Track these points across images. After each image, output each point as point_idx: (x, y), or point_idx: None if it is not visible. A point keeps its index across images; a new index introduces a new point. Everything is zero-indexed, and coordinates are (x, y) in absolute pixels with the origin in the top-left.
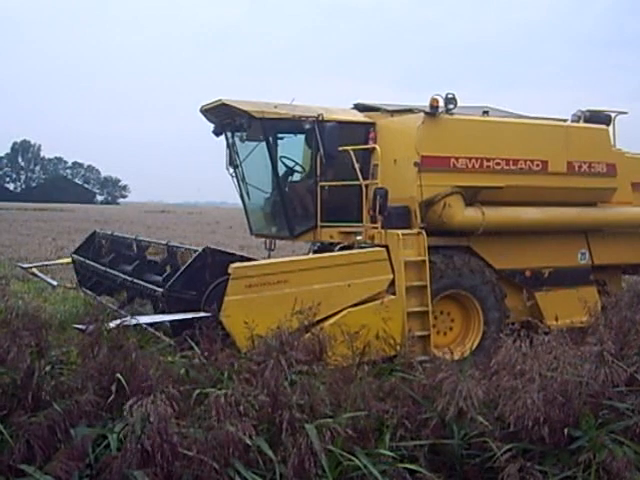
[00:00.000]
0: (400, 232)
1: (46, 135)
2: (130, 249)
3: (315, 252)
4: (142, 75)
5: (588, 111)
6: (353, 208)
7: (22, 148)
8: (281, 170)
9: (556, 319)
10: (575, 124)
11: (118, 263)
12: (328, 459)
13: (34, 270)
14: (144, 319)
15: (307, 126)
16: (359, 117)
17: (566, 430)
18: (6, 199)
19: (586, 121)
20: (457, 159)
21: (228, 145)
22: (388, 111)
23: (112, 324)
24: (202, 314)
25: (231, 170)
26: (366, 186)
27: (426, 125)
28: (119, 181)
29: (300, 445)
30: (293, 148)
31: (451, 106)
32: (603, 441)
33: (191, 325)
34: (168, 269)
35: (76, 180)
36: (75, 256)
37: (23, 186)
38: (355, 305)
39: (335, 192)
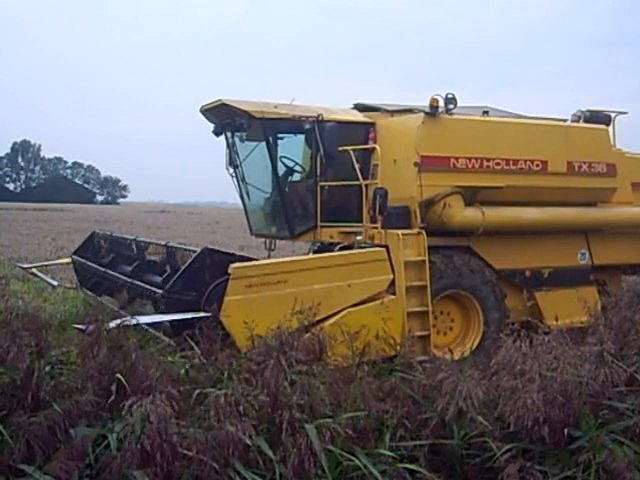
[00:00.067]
0: (400, 232)
1: (46, 135)
2: (129, 249)
3: (315, 252)
4: (142, 75)
5: (588, 111)
6: (353, 208)
7: (22, 148)
8: (281, 170)
9: (556, 319)
10: (575, 124)
11: (118, 263)
12: (328, 459)
13: (34, 270)
14: (144, 319)
15: (307, 126)
16: (359, 117)
17: (566, 430)
18: (6, 199)
19: (586, 121)
20: (457, 159)
21: (228, 145)
22: (388, 111)
23: (112, 324)
24: (202, 314)
25: (231, 170)
26: (366, 186)
27: (426, 125)
28: (119, 181)
29: (300, 445)
30: (293, 148)
31: (451, 106)
32: (603, 441)
33: (191, 325)
34: (168, 269)
35: (76, 180)
36: (75, 257)
37: (23, 186)
38: (355, 305)
39: (335, 192)
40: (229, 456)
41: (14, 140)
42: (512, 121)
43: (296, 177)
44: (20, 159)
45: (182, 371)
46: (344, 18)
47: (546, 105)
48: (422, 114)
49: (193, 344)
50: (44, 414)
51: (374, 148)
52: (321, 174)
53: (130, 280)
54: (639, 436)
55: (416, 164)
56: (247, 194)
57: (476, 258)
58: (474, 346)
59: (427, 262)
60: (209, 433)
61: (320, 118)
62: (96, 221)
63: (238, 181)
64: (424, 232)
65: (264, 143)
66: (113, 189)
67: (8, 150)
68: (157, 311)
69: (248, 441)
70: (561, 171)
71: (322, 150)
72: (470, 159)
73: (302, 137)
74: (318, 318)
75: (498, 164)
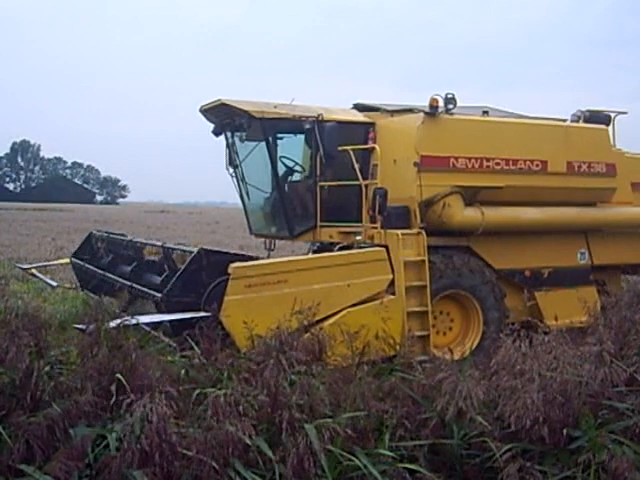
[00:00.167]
0: (400, 232)
1: (46, 135)
2: (127, 249)
3: (315, 252)
4: (142, 75)
5: (588, 111)
6: (353, 208)
7: (22, 148)
8: (281, 170)
9: (556, 319)
10: (575, 124)
11: (117, 264)
12: (328, 459)
13: (33, 271)
14: (144, 319)
15: (307, 126)
16: (359, 117)
17: (566, 430)
18: (6, 199)
19: (586, 121)
20: (457, 159)
21: (228, 145)
22: (388, 111)
23: (112, 324)
24: (202, 314)
25: (231, 170)
26: (366, 186)
27: (426, 125)
28: (119, 181)
29: (300, 445)
30: (293, 148)
31: (451, 106)
32: (603, 441)
33: (191, 325)
34: (166, 268)
35: (76, 180)
36: (74, 260)
37: (22, 186)
38: (355, 305)
39: (335, 192)
40: (229, 456)
41: (14, 140)
42: (512, 121)
43: (296, 177)
44: (20, 159)
45: (182, 371)
46: (344, 18)
47: (546, 105)
48: (422, 114)
49: (193, 344)
50: (43, 414)
51: (374, 148)
52: (321, 174)
53: (129, 283)
54: (639, 436)
55: (416, 164)
56: (247, 194)
57: (476, 258)
58: (474, 346)
59: (427, 262)
60: (209, 433)
61: (320, 118)
62: (96, 221)
63: (238, 181)
64: (424, 232)
65: (264, 143)
66: (113, 189)
67: (8, 150)
68: (158, 311)
69: (248, 441)
70: (561, 171)
71: (322, 150)
72: (470, 159)
73: (302, 137)
74: (318, 318)
75: (498, 164)
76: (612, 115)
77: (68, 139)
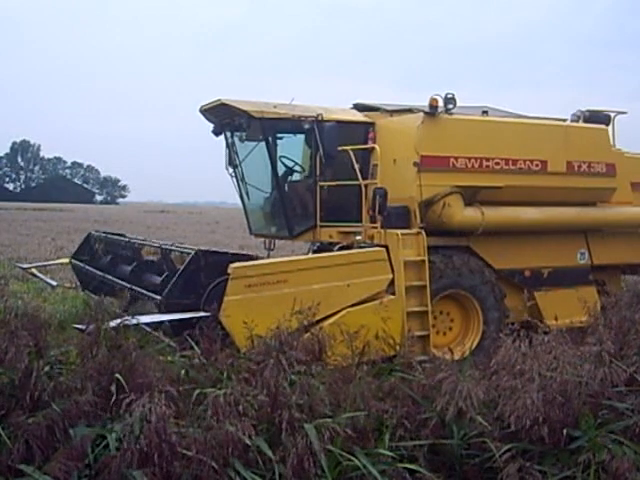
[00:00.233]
0: (399, 232)
1: (45, 135)
2: (126, 249)
3: (314, 252)
4: (142, 75)
5: (587, 111)
6: (352, 208)
7: (21, 148)
8: (280, 170)
9: (556, 319)
10: (574, 124)
11: (117, 263)
12: (327, 459)
13: (33, 270)
14: (144, 319)
15: (306, 126)
16: (358, 117)
17: (565, 430)
18: (5, 199)
19: (585, 121)
20: (456, 159)
21: (227, 145)
22: (387, 111)
23: (112, 323)
24: (202, 314)
25: (230, 170)
26: (365, 186)
27: (425, 125)
28: (118, 181)
29: (299, 445)
30: (292, 148)
31: (450, 106)
32: (602, 441)
33: (191, 325)
34: (166, 269)
35: (75, 180)
36: (74, 261)
37: (22, 186)
38: (354, 305)
39: (334, 192)
40: (228, 456)
41: (13, 140)
42: (511, 121)
43: (295, 177)
44: (20, 159)
45: (182, 371)
46: (344, 18)
47: (546, 105)
48: (422, 114)
49: (193, 344)
50: (43, 414)
51: (373, 148)
52: (320, 174)
53: (129, 285)
54: (639, 436)
55: (415, 164)
56: (247, 194)
57: (475, 258)
58: (474, 346)
59: (427, 262)
60: (208, 433)
61: (320, 118)
62: (95, 221)
63: (238, 181)
64: (423, 232)
65: (263, 143)
66: (112, 189)
67: (7, 150)
68: (159, 312)
69: (247, 441)
70: (560, 171)
71: (322, 150)
72: (469, 159)
73: (302, 137)
74: (317, 318)
75: (497, 164)
76: (612, 115)
77: (68, 139)
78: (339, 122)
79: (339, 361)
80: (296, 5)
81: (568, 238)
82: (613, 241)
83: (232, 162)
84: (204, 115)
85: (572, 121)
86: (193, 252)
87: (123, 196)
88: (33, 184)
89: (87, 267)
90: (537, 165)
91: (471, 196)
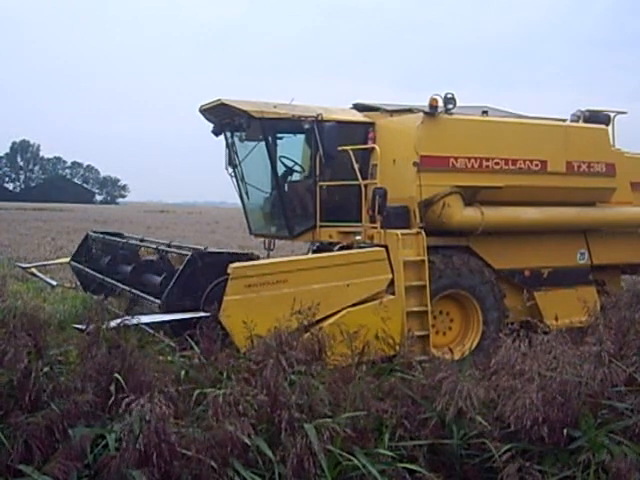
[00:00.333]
0: (399, 232)
1: (45, 135)
2: (125, 249)
3: (314, 252)
4: (142, 75)
5: (587, 111)
6: (352, 208)
7: (21, 148)
8: (280, 170)
9: (555, 319)
10: (574, 124)
11: (116, 264)
12: (327, 459)
13: (33, 270)
14: (144, 319)
15: (306, 126)
16: (358, 117)
17: (565, 430)
18: (5, 199)
19: (585, 121)
20: (456, 159)
21: (227, 145)
22: (387, 111)
23: (113, 323)
24: (202, 314)
25: (230, 170)
26: (365, 186)
27: (425, 125)
28: (118, 181)
29: (299, 445)
30: (292, 148)
31: (450, 106)
32: (602, 441)
33: (191, 325)
34: (164, 269)
35: (75, 180)
36: (73, 263)
37: (22, 186)
38: (354, 305)
39: (334, 192)
40: (228, 456)
41: (13, 140)
42: (511, 121)
43: (295, 177)
44: (19, 159)
45: (182, 371)
46: (344, 18)
47: (546, 105)
48: (421, 114)
49: (193, 344)
50: (42, 414)
51: (373, 148)
52: (320, 174)
53: (128, 288)
54: (638, 436)
55: (415, 164)
56: (246, 194)
57: (475, 258)
58: (473, 346)
59: (426, 262)
60: (208, 433)
61: (319, 118)
62: (95, 221)
63: (237, 181)
64: (423, 232)
65: (263, 143)
66: (112, 189)
67: (7, 150)
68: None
69: (247, 441)
70: (560, 171)
71: (321, 150)
72: (469, 159)
73: (301, 137)
74: (317, 318)
75: (497, 164)
76: (612, 115)
77: (68, 139)
78: (339, 122)
79: (339, 361)
80: (296, 5)
81: (568, 238)
82: (613, 241)
83: (232, 162)
84: (204, 115)
85: (572, 121)
86: (189, 254)
87: (123, 196)
88: (33, 184)
89: (86, 269)
90: (537, 165)
91: (471, 196)
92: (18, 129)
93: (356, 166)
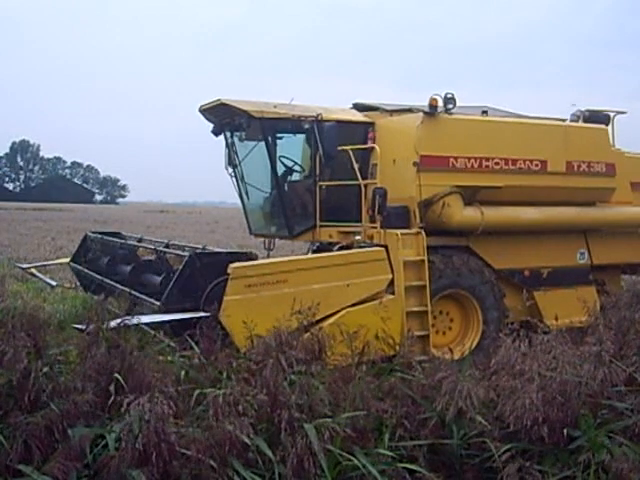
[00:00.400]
0: (399, 232)
1: (45, 135)
2: (124, 249)
3: (314, 252)
4: (142, 75)
5: (587, 111)
6: (352, 208)
7: (21, 148)
8: (280, 170)
9: (555, 319)
10: (574, 124)
11: (115, 265)
12: (327, 459)
13: (33, 270)
14: (144, 319)
15: (306, 126)
16: (358, 117)
17: (565, 430)
18: (5, 199)
19: (585, 121)
20: (456, 159)
21: (227, 145)
22: (387, 111)
23: (112, 323)
24: (202, 314)
25: (230, 170)
26: (365, 186)
27: (425, 125)
28: (118, 181)
29: (299, 445)
30: (292, 148)
31: (450, 106)
32: (602, 441)
33: (192, 325)
34: (163, 269)
35: (75, 180)
36: (72, 265)
37: (22, 186)
38: (354, 305)
39: (334, 192)
40: (228, 455)
41: (13, 140)
42: (511, 121)
43: (295, 177)
44: (19, 159)
45: (182, 371)
46: (344, 18)
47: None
48: (421, 114)
49: (193, 344)
50: (42, 414)
51: (373, 148)
52: (320, 174)
53: (128, 290)
54: (638, 436)
55: (415, 164)
56: (246, 194)
57: (475, 258)
58: (473, 346)
59: (426, 262)
60: (208, 432)
61: (319, 118)
62: (95, 221)
63: (237, 181)
64: (423, 232)
65: (263, 143)
66: (112, 189)
67: (7, 150)
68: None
69: (247, 440)
70: (560, 171)
71: (321, 150)
72: (469, 159)
73: (301, 137)
74: (317, 318)
75: (497, 164)
76: (611, 115)
77: (68, 139)
78: (339, 122)
79: (339, 361)
80: (296, 5)
81: (568, 238)
82: (613, 241)
83: (232, 162)
84: (204, 115)
85: (572, 121)
86: (187, 255)
87: (123, 196)
88: (33, 184)
89: (86, 270)
90: (537, 165)
91: (471, 196)
92: (18, 129)
93: (356, 166)
